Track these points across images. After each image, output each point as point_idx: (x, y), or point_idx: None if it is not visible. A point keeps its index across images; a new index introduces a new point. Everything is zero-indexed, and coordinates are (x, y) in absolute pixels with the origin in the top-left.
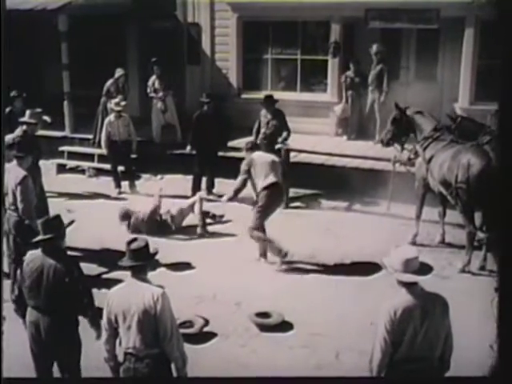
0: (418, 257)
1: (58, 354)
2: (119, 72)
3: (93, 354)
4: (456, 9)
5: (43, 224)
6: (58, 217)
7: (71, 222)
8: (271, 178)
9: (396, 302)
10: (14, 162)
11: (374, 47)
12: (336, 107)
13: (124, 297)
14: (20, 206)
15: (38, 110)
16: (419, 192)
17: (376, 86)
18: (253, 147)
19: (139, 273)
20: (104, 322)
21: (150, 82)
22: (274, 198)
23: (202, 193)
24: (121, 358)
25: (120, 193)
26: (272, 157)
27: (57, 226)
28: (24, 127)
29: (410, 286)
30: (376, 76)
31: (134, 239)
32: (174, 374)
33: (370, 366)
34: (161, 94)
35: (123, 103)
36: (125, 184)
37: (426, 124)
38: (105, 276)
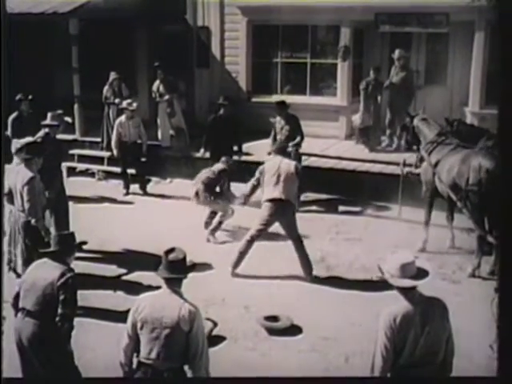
0: (414, 262)
1: (41, 363)
2: (112, 76)
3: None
4: (466, 13)
5: (56, 237)
6: (72, 234)
7: (83, 243)
8: (275, 193)
9: (395, 309)
10: (23, 164)
11: (397, 52)
12: (354, 117)
13: (156, 307)
14: (26, 206)
15: (59, 111)
16: (427, 197)
17: (400, 92)
18: (279, 150)
19: (174, 285)
20: (128, 327)
21: (154, 87)
22: (272, 213)
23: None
24: (135, 365)
25: (127, 194)
26: (288, 168)
27: (68, 243)
28: (46, 130)
29: (408, 292)
30: (401, 82)
31: (172, 249)
32: None
33: (371, 374)
34: (167, 97)
35: (135, 104)
36: (134, 187)
37: (429, 130)
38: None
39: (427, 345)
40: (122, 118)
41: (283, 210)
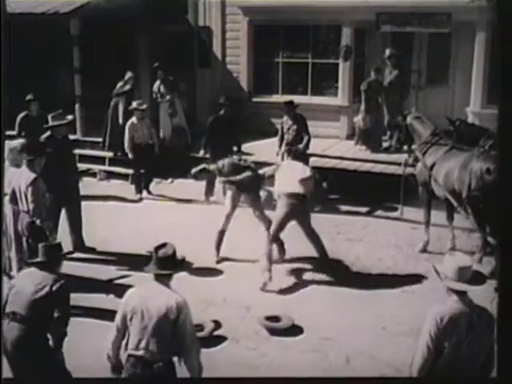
0: (471, 266)
1: (26, 367)
2: (128, 75)
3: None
4: (467, 13)
5: (42, 248)
6: (58, 245)
7: (70, 252)
8: (295, 188)
9: (443, 309)
10: (25, 164)
11: (387, 51)
12: (356, 118)
13: (145, 297)
14: (30, 206)
15: (59, 111)
16: (424, 198)
17: (394, 91)
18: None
19: (163, 280)
20: (118, 320)
21: (154, 88)
22: (292, 208)
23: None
24: (124, 359)
25: (141, 199)
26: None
27: (54, 253)
28: (49, 132)
29: (460, 295)
30: (394, 80)
31: (163, 245)
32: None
33: (410, 370)
34: (168, 97)
35: (145, 105)
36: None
37: (423, 129)
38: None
39: (469, 351)
40: (134, 119)
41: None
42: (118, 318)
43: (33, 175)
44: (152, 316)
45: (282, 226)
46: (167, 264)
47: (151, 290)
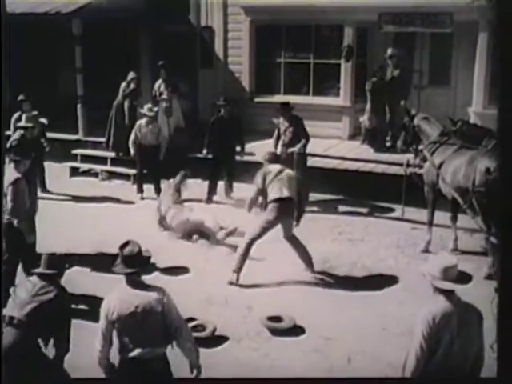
0: (457, 265)
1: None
2: (131, 75)
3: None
4: (469, 12)
5: (46, 258)
6: (61, 256)
7: (70, 267)
8: (284, 193)
9: (435, 309)
10: (12, 164)
11: (389, 51)
12: (361, 118)
13: (125, 300)
14: (9, 205)
15: (35, 112)
16: (429, 197)
17: (395, 90)
18: (272, 159)
19: (134, 277)
20: (102, 329)
21: (156, 86)
22: (282, 213)
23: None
24: (118, 362)
25: (142, 198)
26: (289, 171)
27: (57, 264)
28: (21, 131)
29: (448, 294)
30: (397, 80)
31: (127, 243)
32: (189, 368)
33: (402, 372)
34: (164, 96)
35: (155, 109)
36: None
37: (431, 129)
38: None
39: (461, 349)
40: (142, 121)
41: (291, 209)
42: (103, 326)
43: (16, 175)
44: (140, 315)
45: (266, 230)
46: (134, 262)
47: (129, 291)
